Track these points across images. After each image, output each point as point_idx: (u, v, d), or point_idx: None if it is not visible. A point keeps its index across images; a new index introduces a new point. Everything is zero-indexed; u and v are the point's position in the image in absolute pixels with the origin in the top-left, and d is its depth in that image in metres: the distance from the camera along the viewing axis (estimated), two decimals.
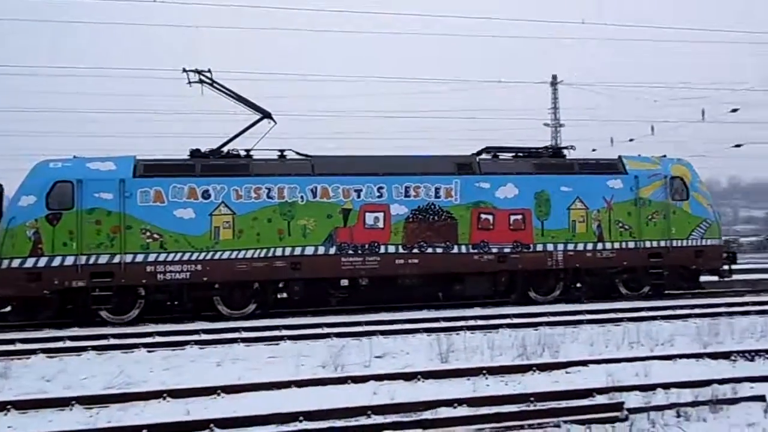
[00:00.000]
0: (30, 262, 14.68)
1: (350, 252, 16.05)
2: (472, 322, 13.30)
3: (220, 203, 15.56)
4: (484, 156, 17.76)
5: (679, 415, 6.73)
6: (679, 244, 17.66)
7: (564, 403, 6.98)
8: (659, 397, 7.35)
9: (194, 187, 15.48)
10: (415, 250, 16.33)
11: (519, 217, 16.91)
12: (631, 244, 17.43)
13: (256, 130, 17.19)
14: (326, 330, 12.75)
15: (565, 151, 18.45)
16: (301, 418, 6.62)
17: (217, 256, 15.44)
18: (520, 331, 11.70)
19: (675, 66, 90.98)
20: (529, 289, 17.22)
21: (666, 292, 17.97)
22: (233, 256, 15.51)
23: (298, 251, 15.81)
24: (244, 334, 12.52)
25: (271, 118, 17.13)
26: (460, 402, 7.12)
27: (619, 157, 18.14)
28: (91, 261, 14.90)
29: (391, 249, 16.23)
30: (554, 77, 44.33)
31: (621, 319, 13.28)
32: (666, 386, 7.68)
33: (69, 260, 14.81)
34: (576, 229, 17.17)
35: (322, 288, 16.21)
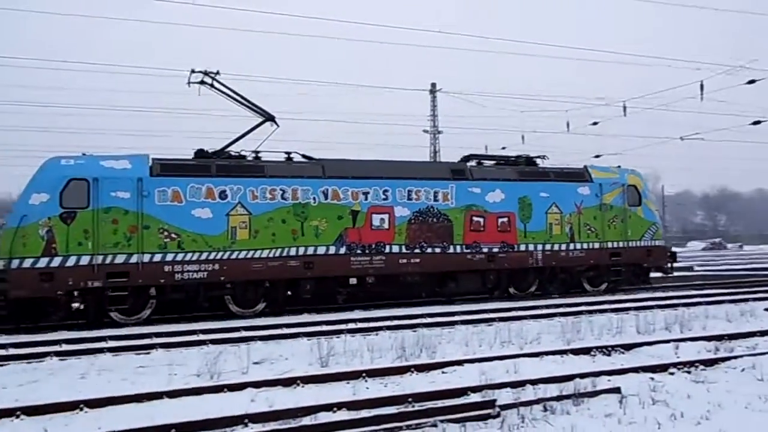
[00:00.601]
0: (43, 262, 14.19)
1: (358, 251, 16.82)
2: (352, 325, 13.27)
3: (236, 203, 15.77)
4: (473, 163, 19.19)
5: (545, 409, 7.03)
6: (634, 245, 20.07)
7: (440, 403, 7.15)
8: (528, 393, 7.68)
9: (212, 187, 15.58)
10: (417, 250, 17.40)
11: (505, 219, 18.48)
12: (597, 245, 19.57)
13: (254, 130, 17.49)
14: (201, 336, 12.29)
15: (538, 160, 20.25)
16: (173, 430, 6.32)
17: (234, 256, 15.64)
18: (399, 333, 11.89)
19: (542, 80, 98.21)
20: (510, 286, 18.85)
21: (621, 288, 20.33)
22: (249, 256, 15.78)
23: (311, 251, 16.36)
24: (111, 344, 11.79)
25: (274, 121, 17.47)
26: (340, 406, 7.06)
27: (585, 167, 20.24)
28: (108, 261, 14.63)
29: (395, 249, 17.19)
30: (433, 85, 45.36)
31: (493, 320, 13.78)
32: (534, 382, 8.03)
33: (84, 260, 14.45)
34: (552, 231, 19.03)
35: (331, 286, 16.85)
